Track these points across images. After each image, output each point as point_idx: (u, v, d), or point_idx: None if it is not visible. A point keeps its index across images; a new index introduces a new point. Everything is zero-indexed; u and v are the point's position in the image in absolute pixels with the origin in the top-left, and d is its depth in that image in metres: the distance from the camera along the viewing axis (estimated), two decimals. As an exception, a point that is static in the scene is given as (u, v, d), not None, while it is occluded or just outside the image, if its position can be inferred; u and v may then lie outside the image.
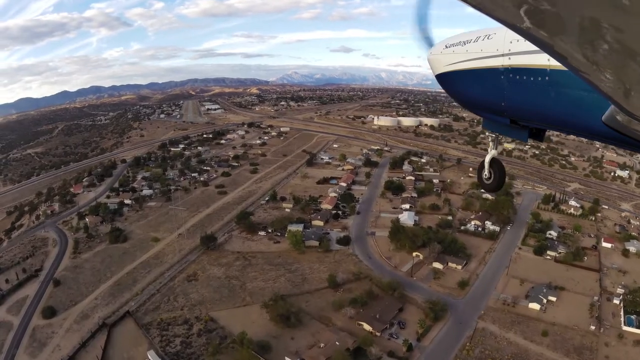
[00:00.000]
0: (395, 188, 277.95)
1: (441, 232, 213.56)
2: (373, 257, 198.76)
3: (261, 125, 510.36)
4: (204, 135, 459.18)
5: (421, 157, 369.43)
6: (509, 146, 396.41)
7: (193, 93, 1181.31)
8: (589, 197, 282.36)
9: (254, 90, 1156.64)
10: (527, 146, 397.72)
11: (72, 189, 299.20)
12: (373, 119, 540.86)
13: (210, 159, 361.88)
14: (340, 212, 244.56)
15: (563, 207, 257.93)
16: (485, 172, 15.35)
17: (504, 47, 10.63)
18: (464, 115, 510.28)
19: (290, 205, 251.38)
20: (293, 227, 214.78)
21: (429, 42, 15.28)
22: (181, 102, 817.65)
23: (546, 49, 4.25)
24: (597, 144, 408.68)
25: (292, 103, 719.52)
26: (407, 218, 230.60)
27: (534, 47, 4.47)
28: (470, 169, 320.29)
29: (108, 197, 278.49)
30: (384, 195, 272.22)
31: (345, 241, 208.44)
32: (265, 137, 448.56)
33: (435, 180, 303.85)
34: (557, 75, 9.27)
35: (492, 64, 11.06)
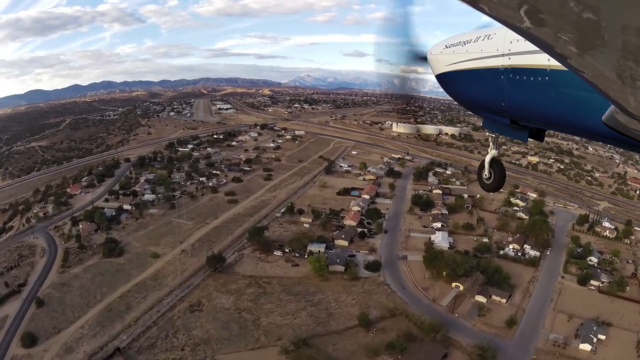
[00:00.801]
0: (423, 203, 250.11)
1: (483, 260, 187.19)
2: (407, 287, 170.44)
3: (275, 128, 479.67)
4: (215, 136, 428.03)
5: (446, 169, 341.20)
6: (534, 159, 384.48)
7: (205, 92, 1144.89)
8: (620, 218, 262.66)
9: (267, 91, 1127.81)
10: (551, 159, 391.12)
11: (69, 189, 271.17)
12: (391, 125, 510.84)
13: (220, 162, 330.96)
14: (365, 229, 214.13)
15: (598, 229, 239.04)
16: (486, 172, 14.91)
17: (504, 47, 10.44)
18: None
19: (309, 220, 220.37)
20: (314, 248, 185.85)
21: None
22: (192, 100, 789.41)
23: (546, 49, 4.25)
24: (618, 159, 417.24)
25: (305, 106, 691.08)
26: (440, 240, 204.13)
27: (534, 47, 4.49)
28: None
29: (106, 200, 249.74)
30: (411, 211, 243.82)
31: (374, 267, 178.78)
32: (280, 141, 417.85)
33: (464, 195, 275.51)
34: (557, 75, 9.13)
35: (492, 64, 10.87)
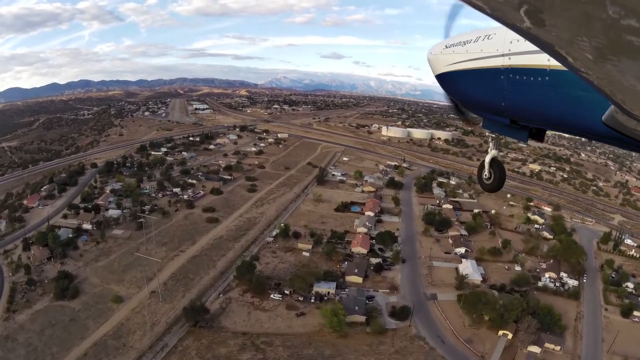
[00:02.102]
0: (439, 223, 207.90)
1: (531, 299, 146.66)
2: (447, 340, 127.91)
3: (255, 130, 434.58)
4: (190, 138, 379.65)
5: (449, 178, 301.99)
6: (535, 167, 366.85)
7: (181, 92, 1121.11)
8: (637, 233, 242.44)
9: (243, 92, 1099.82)
10: (552, 167, 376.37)
11: (25, 201, 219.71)
12: (379, 128, 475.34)
13: (197, 169, 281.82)
14: (380, 259, 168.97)
15: (622, 247, 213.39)
16: (486, 172, 14.18)
17: (504, 47, 10.18)
18: (472, 128, 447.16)
19: (309, 246, 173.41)
20: (322, 288, 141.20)
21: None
22: (168, 100, 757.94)
23: (546, 49, 4.18)
24: (612, 165, 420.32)
25: (285, 107, 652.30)
26: (471, 270, 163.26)
27: (534, 47, 4.43)
28: (508, 195, 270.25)
29: (65, 216, 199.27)
30: (426, 232, 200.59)
31: (402, 313, 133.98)
32: (262, 144, 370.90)
33: (478, 211, 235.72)
34: (557, 75, 8.90)
35: (492, 64, 10.62)
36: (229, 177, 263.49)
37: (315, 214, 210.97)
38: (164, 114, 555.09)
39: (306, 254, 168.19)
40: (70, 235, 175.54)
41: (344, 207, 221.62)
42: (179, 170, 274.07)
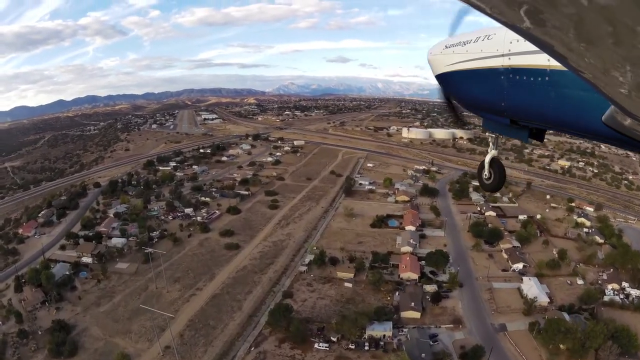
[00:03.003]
0: (489, 234, 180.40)
1: (609, 322, 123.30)
2: None
3: (269, 138, 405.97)
4: (201, 150, 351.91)
5: None
6: (564, 163, 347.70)
7: (189, 103, 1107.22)
8: None
9: (252, 100, 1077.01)
10: (580, 162, 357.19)
11: (20, 230, 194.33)
12: (398, 130, 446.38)
13: (210, 185, 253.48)
14: (435, 285, 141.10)
15: None
16: (485, 172, 13.88)
17: (504, 47, 10.04)
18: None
19: (351, 275, 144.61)
20: (376, 332, 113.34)
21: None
22: (176, 111, 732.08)
23: (546, 49, 4.15)
24: (634, 157, 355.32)
25: (297, 113, 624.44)
26: (536, 291, 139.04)
27: (534, 47, 4.39)
28: (548, 196, 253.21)
29: (63, 247, 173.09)
30: (477, 247, 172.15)
31: (475, 355, 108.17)
32: (278, 154, 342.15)
33: (522, 217, 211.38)
34: (557, 75, 8.82)
35: (492, 64, 10.46)
36: (247, 193, 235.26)
37: (350, 232, 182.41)
38: (172, 126, 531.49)
39: (348, 284, 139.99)
40: (68, 273, 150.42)
41: (380, 221, 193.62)
42: (190, 186, 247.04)
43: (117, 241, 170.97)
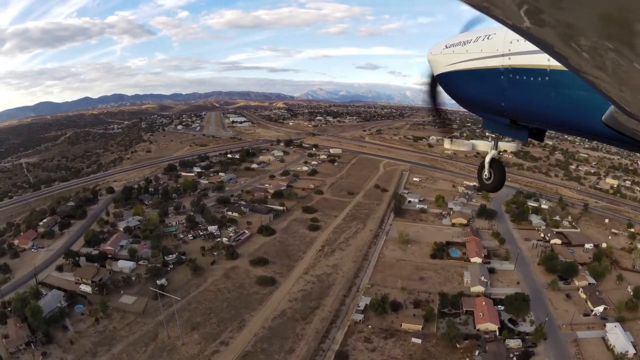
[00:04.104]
0: (563, 270, 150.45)
1: None
2: None
3: (303, 145, 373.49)
4: (229, 155, 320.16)
5: (539, 201, 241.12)
6: (613, 182, 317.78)
7: (217, 105, 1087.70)
8: None
9: (280, 104, 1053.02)
10: (626, 181, 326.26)
11: (17, 241, 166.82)
12: (438, 140, 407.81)
13: (238, 197, 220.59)
14: (519, 339, 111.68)
15: None
16: (486, 173, 13.49)
17: (504, 47, 9.93)
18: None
19: (419, 327, 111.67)
20: None
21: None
22: (203, 113, 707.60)
23: (546, 49, 4.17)
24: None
25: (329, 118, 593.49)
26: (623, 340, 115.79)
27: (534, 47, 4.42)
28: (607, 220, 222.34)
29: (59, 268, 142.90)
30: (554, 285, 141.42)
31: None
32: (314, 162, 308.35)
33: (589, 246, 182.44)
34: (557, 75, 8.75)
35: (492, 64, 10.33)
36: (281, 208, 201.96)
37: (408, 265, 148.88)
38: (198, 128, 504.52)
39: (416, 340, 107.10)
40: (60, 305, 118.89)
41: (441, 250, 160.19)
42: (215, 197, 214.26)
43: (125, 265, 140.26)
